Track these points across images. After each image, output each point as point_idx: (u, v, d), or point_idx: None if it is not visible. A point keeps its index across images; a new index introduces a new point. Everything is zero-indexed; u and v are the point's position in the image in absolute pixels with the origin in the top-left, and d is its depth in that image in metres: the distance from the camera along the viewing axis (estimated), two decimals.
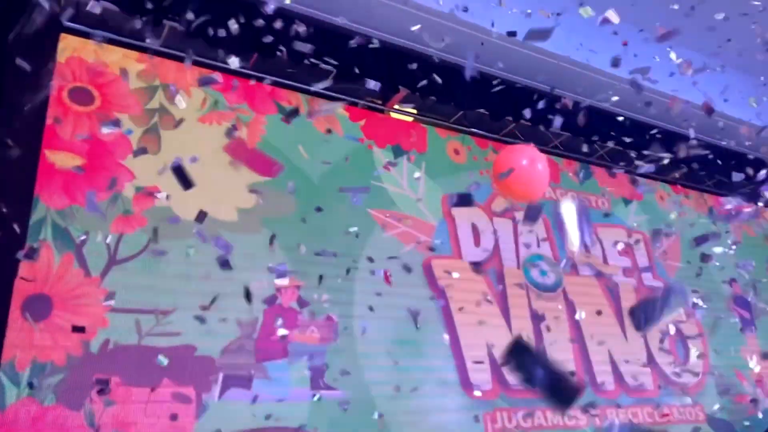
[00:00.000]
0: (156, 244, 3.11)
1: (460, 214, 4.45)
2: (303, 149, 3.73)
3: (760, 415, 4.95)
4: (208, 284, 3.18)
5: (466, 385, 3.85)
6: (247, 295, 2.95)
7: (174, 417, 2.94)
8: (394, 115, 4.67)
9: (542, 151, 5.12)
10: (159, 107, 3.53)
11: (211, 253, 3.19)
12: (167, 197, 3.18)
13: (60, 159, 3.13)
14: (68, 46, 3.35)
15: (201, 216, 2.91)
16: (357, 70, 3.93)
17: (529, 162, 2.22)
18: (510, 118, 4.70)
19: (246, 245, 3.37)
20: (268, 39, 3.39)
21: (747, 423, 4.98)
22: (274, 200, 3.64)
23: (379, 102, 4.52)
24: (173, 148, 3.39)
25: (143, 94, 3.51)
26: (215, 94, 3.73)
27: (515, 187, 2.24)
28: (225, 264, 2.81)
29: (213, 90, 3.72)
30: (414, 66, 3.97)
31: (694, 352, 4.99)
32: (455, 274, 4.05)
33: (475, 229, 4.47)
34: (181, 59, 3.65)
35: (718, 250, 5.13)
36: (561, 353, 4.22)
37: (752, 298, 5.52)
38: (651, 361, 4.75)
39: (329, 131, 4.02)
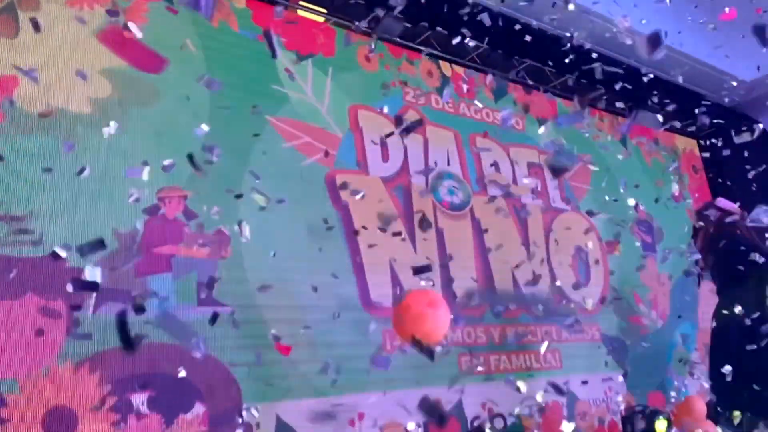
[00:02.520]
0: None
1: (368, 126, 4.42)
2: (191, 43, 3.53)
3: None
4: (73, 189, 3.03)
5: (367, 302, 3.96)
6: None
7: (40, 332, 2.84)
8: (301, 13, 4.48)
9: (459, 64, 5.18)
10: None
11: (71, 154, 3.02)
12: None
13: None
14: None
15: None
16: None
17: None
18: (426, 25, 4.62)
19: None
20: None
21: (645, 344, 5.46)
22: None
23: None
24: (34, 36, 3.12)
25: None
26: None
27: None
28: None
29: None
30: None
31: (594, 274, 5.35)
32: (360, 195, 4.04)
33: (383, 143, 4.46)
34: None
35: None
36: (464, 271, 4.41)
37: (655, 223, 5.96)
38: (553, 281, 5.05)
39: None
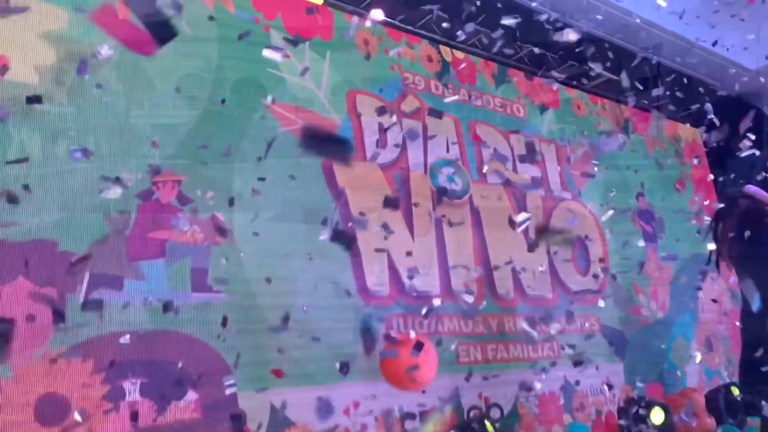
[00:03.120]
0: None
1: (367, 112, 4.38)
2: (187, 25, 3.49)
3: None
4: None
5: (363, 290, 3.94)
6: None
7: (31, 318, 2.82)
8: None
9: (459, 49, 5.14)
10: None
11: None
12: None
13: None
14: None
15: None
16: None
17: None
18: (426, 8, 4.58)
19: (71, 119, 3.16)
20: None
21: (663, 345, 5.45)
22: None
23: None
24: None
25: None
26: None
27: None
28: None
29: None
30: None
31: (594, 265, 5.33)
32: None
33: (381, 129, 4.43)
34: None
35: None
36: (464, 258, 4.40)
37: (656, 213, 5.94)
38: (553, 272, 5.03)
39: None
